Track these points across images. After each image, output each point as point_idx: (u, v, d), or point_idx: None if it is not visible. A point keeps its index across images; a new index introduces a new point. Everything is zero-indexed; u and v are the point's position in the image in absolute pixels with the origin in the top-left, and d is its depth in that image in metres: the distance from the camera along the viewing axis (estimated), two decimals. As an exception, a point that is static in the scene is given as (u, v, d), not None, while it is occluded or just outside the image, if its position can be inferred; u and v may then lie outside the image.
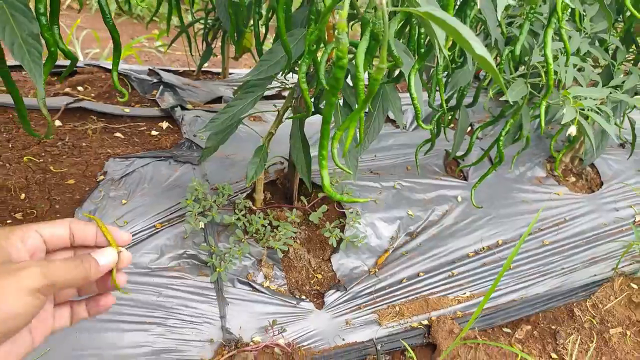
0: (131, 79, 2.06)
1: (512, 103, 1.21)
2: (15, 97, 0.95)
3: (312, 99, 1.16)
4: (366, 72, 0.78)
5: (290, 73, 1.18)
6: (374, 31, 0.70)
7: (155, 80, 2.09)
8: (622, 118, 2.10)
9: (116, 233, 0.56)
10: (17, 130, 1.53)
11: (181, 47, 2.66)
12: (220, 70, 2.54)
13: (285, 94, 2.26)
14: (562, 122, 1.08)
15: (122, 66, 2.21)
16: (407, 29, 1.12)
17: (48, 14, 0.83)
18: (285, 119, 1.18)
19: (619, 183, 2.00)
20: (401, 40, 1.18)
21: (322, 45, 0.96)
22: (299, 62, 1.02)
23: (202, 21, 2.17)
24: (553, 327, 1.54)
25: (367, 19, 0.70)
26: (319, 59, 0.89)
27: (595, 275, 1.67)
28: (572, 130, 1.15)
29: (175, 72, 2.40)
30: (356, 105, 1.00)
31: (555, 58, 1.26)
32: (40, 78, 0.79)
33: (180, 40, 2.09)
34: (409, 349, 1.29)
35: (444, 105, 1.21)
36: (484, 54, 0.48)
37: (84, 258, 0.51)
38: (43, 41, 0.81)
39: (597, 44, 1.53)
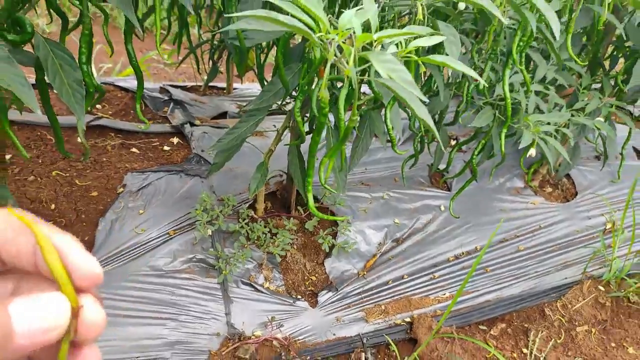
0: (144, 97, 2.25)
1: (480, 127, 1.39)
2: (52, 119, 1.11)
3: (306, 123, 1.34)
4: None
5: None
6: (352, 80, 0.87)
7: (166, 98, 2.27)
8: (595, 134, 2.27)
9: (76, 258, 0.28)
10: (45, 147, 1.72)
11: (188, 60, 2.84)
12: (225, 85, 2.73)
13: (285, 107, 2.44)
14: (520, 147, 1.25)
15: (136, 84, 2.39)
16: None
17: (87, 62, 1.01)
18: (284, 145, 1.36)
19: (592, 193, 2.16)
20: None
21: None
22: (295, 94, 1.20)
23: (208, 42, 2.35)
24: (525, 325, 1.70)
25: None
26: (312, 88, 1.06)
27: (566, 278, 1.83)
28: (532, 153, 1.32)
29: (184, 88, 2.58)
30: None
31: (521, 86, 1.44)
32: (82, 115, 0.97)
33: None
34: (392, 343, 1.47)
35: (422, 128, 1.39)
36: (424, 116, 0.67)
37: None
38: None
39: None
